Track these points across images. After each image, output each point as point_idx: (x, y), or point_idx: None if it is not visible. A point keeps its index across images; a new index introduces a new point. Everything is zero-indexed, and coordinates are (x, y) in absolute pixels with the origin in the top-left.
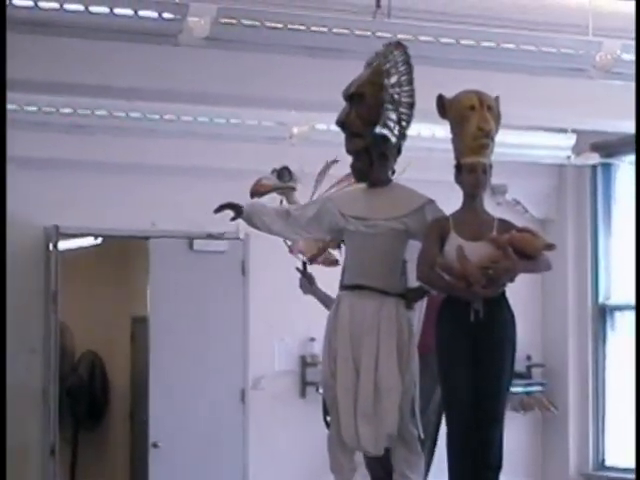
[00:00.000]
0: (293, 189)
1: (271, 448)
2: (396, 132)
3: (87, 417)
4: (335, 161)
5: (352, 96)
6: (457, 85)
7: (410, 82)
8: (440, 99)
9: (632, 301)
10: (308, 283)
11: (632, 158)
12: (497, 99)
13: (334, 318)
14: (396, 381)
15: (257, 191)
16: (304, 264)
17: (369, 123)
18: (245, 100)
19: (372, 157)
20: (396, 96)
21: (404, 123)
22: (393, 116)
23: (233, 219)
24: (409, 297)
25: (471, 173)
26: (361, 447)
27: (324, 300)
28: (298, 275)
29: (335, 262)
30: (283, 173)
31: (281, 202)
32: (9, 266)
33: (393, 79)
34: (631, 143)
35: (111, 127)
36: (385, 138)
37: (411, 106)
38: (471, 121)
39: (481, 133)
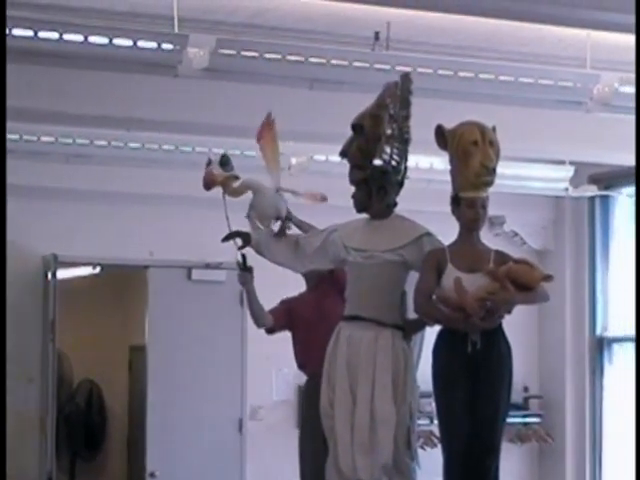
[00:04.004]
0: (237, 178)
1: (268, 478)
2: (394, 166)
3: (84, 446)
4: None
5: (354, 127)
6: (455, 117)
7: (407, 118)
8: (439, 130)
9: (630, 332)
10: (250, 277)
11: (630, 190)
12: (494, 129)
13: (333, 348)
14: (391, 412)
15: (212, 181)
16: (243, 257)
17: (368, 155)
18: (244, 131)
19: (371, 189)
20: (392, 131)
21: (399, 158)
22: (390, 150)
23: (240, 248)
24: (407, 328)
25: (471, 208)
26: (358, 477)
27: (252, 302)
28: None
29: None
30: (225, 161)
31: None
32: (7, 295)
33: (392, 112)
34: (629, 175)
35: (110, 157)
36: (384, 171)
37: (406, 142)
38: (474, 157)
39: (485, 171)
